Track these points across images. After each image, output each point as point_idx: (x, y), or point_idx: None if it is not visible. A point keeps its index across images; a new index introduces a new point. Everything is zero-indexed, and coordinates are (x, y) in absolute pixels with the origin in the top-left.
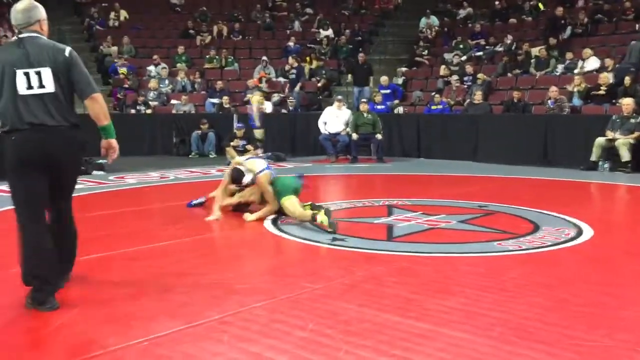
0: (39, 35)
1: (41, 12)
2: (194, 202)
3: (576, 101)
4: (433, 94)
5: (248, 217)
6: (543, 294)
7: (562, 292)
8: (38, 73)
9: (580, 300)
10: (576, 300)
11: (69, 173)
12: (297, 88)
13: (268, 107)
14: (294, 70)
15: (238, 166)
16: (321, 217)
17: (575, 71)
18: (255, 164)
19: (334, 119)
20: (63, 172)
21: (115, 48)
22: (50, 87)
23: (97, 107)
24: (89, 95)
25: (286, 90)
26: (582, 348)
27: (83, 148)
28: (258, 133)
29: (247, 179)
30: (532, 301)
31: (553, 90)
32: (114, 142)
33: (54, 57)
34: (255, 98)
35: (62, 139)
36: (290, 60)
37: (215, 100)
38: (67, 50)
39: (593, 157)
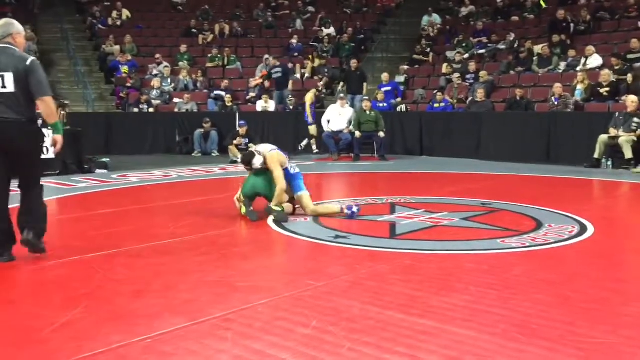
0: (10, 46)
1: (14, 27)
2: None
3: (578, 93)
4: (435, 92)
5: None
6: (546, 290)
7: (566, 289)
8: (2, 76)
9: (583, 297)
10: (580, 297)
11: (27, 158)
12: (289, 87)
13: (270, 105)
14: (278, 69)
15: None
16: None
17: (578, 69)
18: (266, 146)
19: (337, 117)
20: (22, 157)
21: (117, 47)
22: (10, 88)
23: (45, 107)
24: (40, 96)
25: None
26: (586, 345)
27: (39, 137)
28: (311, 129)
29: (257, 161)
30: (535, 298)
31: (557, 87)
32: (59, 137)
33: (16, 65)
34: (309, 95)
35: (19, 130)
36: (271, 60)
37: (219, 92)
38: (30, 60)
39: (596, 155)
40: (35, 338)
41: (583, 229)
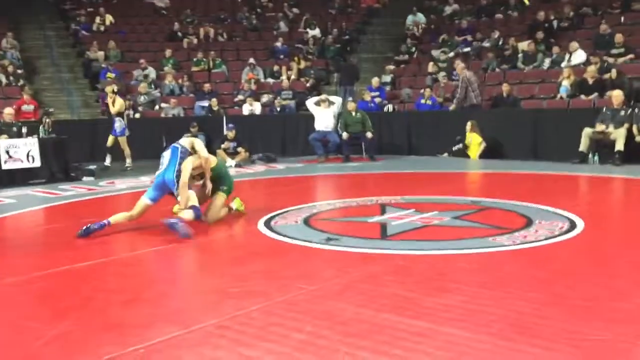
0: None
1: None
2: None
3: (564, 89)
4: (422, 90)
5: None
6: (539, 288)
7: (559, 286)
8: None
9: (576, 293)
10: (573, 294)
11: None
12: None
13: (257, 108)
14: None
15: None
16: (236, 205)
17: (563, 64)
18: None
19: (322, 114)
20: None
21: (101, 53)
22: None
23: None
24: None
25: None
26: (581, 342)
27: None
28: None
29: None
30: (529, 296)
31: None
32: None
33: None
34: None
35: None
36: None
37: (205, 103)
38: None
39: (582, 148)
40: (24, 352)
41: (573, 225)
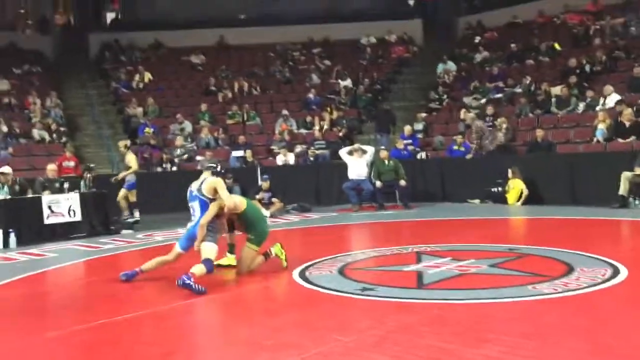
0: None
1: None
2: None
3: (600, 133)
4: (455, 137)
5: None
6: (584, 338)
7: (604, 336)
8: None
9: (622, 342)
10: (619, 344)
11: None
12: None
13: (291, 158)
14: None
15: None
16: (275, 250)
17: (597, 108)
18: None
19: (355, 163)
20: None
21: (140, 109)
22: None
23: None
24: None
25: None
26: None
27: None
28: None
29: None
30: (573, 346)
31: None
32: None
33: None
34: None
35: None
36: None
37: (239, 153)
38: None
39: (621, 191)
40: None
41: (616, 271)
